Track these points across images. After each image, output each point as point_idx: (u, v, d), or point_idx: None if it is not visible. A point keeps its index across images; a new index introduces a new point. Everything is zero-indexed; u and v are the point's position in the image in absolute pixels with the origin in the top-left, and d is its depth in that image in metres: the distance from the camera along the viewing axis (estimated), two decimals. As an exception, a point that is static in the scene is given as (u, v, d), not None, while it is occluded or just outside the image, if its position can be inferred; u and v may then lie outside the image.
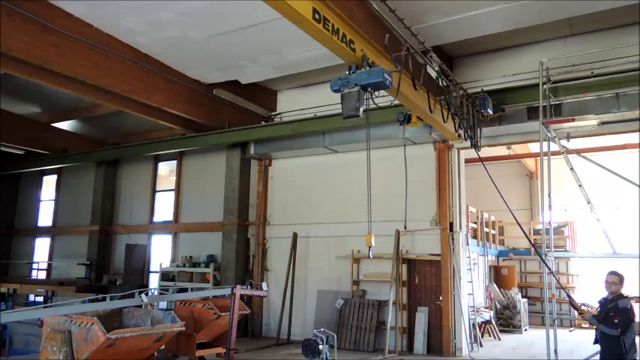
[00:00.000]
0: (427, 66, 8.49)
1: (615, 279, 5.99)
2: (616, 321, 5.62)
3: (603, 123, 9.90)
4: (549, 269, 7.94)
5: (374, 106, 6.64)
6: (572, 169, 9.27)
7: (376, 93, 6.62)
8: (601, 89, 9.66)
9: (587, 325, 11.90)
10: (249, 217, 14.25)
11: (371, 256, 7.12)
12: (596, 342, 5.94)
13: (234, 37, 10.47)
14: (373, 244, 6.95)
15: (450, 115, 9.42)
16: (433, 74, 8.97)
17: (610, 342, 5.68)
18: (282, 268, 13.14)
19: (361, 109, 6.24)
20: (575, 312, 6.65)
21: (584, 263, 16.98)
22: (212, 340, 9.33)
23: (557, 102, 10.02)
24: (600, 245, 10.98)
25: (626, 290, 6.15)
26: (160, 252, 16.16)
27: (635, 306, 13.14)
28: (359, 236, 12.23)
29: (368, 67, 6.49)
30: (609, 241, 9.05)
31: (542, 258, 7.38)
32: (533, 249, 16.83)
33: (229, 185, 14.23)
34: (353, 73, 6.46)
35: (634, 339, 5.67)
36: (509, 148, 15.14)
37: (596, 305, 6.16)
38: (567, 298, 7.21)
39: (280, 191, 14.01)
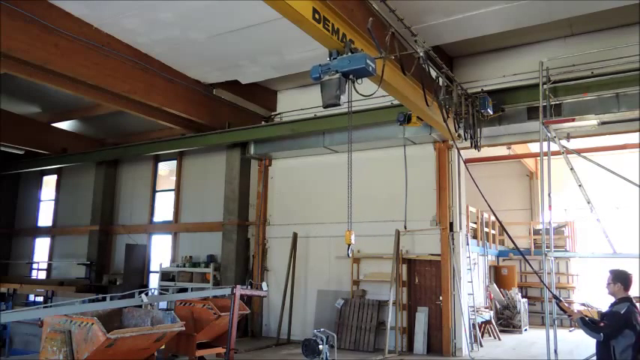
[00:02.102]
0: (422, 60, 8.15)
1: (609, 278, 5.35)
2: (601, 324, 5.10)
3: (603, 123, 9.89)
4: (532, 269, 7.89)
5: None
6: (572, 169, 9.27)
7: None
8: (601, 89, 9.66)
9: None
10: (249, 217, 14.25)
11: (350, 255, 6.58)
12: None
13: (234, 37, 10.47)
14: (353, 241, 6.41)
15: (449, 115, 9.41)
16: (433, 73, 8.96)
17: (600, 346, 5.16)
18: (282, 268, 13.14)
19: (342, 97, 5.88)
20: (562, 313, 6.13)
21: (584, 263, 16.98)
22: (212, 340, 9.32)
23: (557, 102, 10.02)
24: (600, 245, 10.97)
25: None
26: (160, 252, 16.16)
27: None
28: (359, 236, 12.07)
29: (350, 53, 6.08)
30: (609, 241, 9.05)
31: (524, 257, 7.32)
32: (532, 249, 16.90)
33: (229, 185, 14.23)
34: (334, 59, 6.06)
35: (629, 346, 5.02)
36: (509, 148, 15.14)
37: (597, 306, 5.82)
38: (562, 299, 6.60)
39: (280, 191, 14.00)
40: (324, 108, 6.08)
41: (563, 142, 9.80)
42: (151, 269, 16.17)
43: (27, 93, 14.41)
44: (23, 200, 20.55)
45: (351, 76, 6.00)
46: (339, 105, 5.95)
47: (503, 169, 18.50)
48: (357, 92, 6.17)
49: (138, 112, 12.62)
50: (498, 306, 15.21)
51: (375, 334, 11.56)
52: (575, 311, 5.71)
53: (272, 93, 14.65)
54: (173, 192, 16.25)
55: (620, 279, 5.27)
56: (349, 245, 6.42)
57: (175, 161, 16.39)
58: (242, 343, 11.68)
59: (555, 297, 6.23)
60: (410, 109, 9.30)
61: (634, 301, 5.21)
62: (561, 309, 5.77)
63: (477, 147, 10.61)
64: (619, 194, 14.64)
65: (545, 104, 9.60)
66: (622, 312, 5.03)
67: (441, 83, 9.27)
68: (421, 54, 7.79)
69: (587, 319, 5.32)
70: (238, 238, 13.90)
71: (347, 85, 6.04)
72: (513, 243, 7.84)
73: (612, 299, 5.35)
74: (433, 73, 9.00)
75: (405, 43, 7.75)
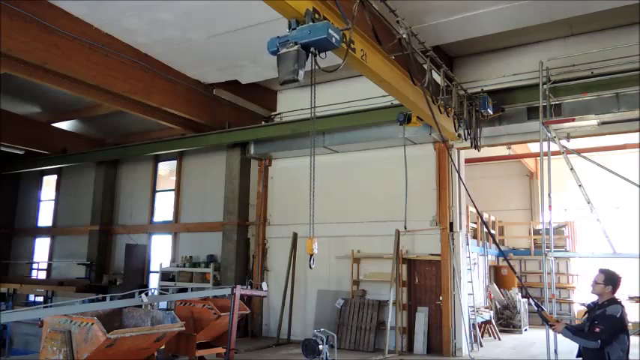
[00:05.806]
0: (405, 41, 7.48)
1: (600, 278, 4.97)
2: (597, 330, 4.65)
3: (603, 123, 9.90)
4: (513, 270, 7.83)
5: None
6: (572, 169, 9.27)
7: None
8: (601, 89, 9.66)
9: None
10: (249, 217, 14.24)
11: (312, 267, 5.81)
12: (579, 355, 4.93)
13: (234, 37, 10.47)
14: (316, 251, 5.76)
15: (448, 114, 9.39)
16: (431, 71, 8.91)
17: (592, 354, 4.75)
18: (282, 268, 13.13)
19: (301, 73, 5.16)
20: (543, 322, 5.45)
21: (584, 263, 16.96)
22: (212, 340, 9.33)
23: (557, 102, 10.02)
24: (600, 245, 10.97)
25: (620, 293, 5.05)
26: (160, 252, 16.16)
27: (635, 307, 13.07)
28: (359, 236, 12.33)
29: (311, 23, 5.31)
30: (609, 241, 9.05)
31: (509, 263, 7.26)
32: (533, 249, 16.90)
33: (229, 185, 14.23)
34: (293, 29, 5.30)
35: (625, 352, 4.69)
36: (509, 148, 15.14)
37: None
38: (544, 308, 6.01)
39: (280, 191, 13.99)
40: (281, 85, 5.43)
41: (563, 142, 9.79)
42: (151, 269, 16.17)
43: (27, 93, 14.40)
44: (23, 200, 20.55)
45: (312, 49, 5.26)
46: (298, 81, 5.21)
47: (503, 169, 18.50)
48: (319, 67, 5.47)
49: (138, 112, 12.63)
50: (498, 306, 15.21)
51: (375, 334, 11.55)
52: (559, 321, 5.24)
53: (272, 93, 14.64)
54: (173, 192, 16.25)
55: (612, 282, 4.96)
56: (311, 255, 5.73)
57: (175, 161, 16.39)
58: (242, 343, 11.68)
59: (537, 305, 5.76)
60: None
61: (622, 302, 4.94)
62: (543, 318, 5.33)
63: (477, 147, 10.60)
64: (619, 194, 14.63)
65: (545, 104, 9.60)
66: (617, 316, 4.72)
67: (438, 81, 9.21)
68: (404, 35, 7.27)
69: (573, 327, 5.04)
70: (238, 238, 13.90)
71: (306, 59, 5.34)
72: (497, 245, 7.80)
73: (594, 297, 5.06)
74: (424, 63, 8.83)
75: (385, 21, 7.40)
